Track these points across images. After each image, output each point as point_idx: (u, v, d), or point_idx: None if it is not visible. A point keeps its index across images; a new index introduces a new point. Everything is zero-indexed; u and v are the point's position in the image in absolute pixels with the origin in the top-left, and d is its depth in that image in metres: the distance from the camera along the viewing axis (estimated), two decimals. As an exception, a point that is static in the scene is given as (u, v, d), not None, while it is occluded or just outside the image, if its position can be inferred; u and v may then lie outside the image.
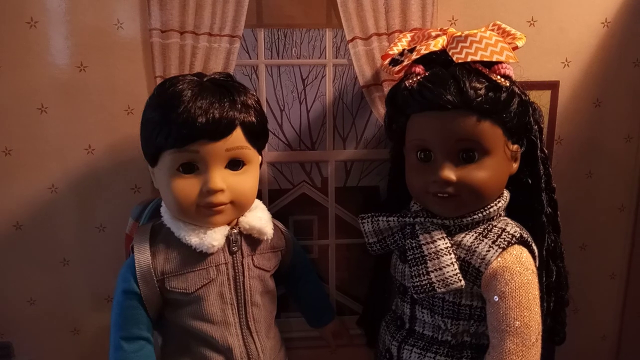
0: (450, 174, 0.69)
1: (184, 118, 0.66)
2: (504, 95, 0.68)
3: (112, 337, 0.72)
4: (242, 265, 0.75)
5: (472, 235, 0.71)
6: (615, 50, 0.91)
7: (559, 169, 0.91)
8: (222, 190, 0.69)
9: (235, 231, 0.74)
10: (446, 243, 0.71)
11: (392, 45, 0.79)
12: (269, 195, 0.92)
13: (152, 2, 0.82)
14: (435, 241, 0.71)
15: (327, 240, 0.96)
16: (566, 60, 0.90)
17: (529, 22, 0.88)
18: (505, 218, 0.74)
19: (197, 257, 0.72)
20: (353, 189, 0.93)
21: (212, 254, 0.72)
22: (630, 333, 1.04)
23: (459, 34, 0.71)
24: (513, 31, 0.73)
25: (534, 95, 0.87)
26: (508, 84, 0.68)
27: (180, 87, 0.68)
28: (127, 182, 0.89)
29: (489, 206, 0.72)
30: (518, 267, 0.68)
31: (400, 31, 0.85)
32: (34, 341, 0.94)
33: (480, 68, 0.69)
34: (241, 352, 0.74)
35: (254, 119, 0.71)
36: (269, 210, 0.81)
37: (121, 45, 0.84)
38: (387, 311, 0.86)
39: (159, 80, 0.83)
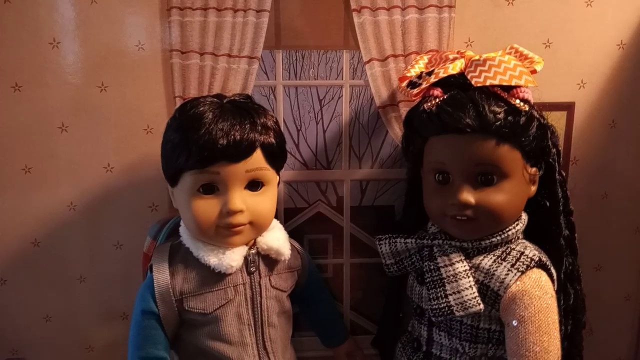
0: (468, 197, 0.69)
1: (205, 140, 0.67)
2: (522, 119, 0.68)
3: (130, 357, 0.72)
4: (260, 285, 0.75)
5: (491, 258, 0.71)
6: (630, 72, 0.91)
7: (574, 190, 0.91)
8: (241, 211, 0.70)
9: (253, 251, 0.75)
10: (464, 266, 0.71)
11: (409, 67, 0.80)
12: (285, 213, 0.93)
13: (173, 24, 0.83)
14: (454, 264, 0.71)
15: (342, 259, 0.96)
16: (582, 82, 0.91)
17: (545, 44, 0.89)
18: (524, 241, 0.74)
19: (215, 277, 0.72)
20: (368, 208, 0.94)
21: (230, 274, 0.73)
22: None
23: (477, 57, 0.71)
24: (531, 55, 0.73)
25: (550, 117, 0.87)
26: (527, 108, 0.69)
27: (202, 108, 0.69)
28: (145, 200, 0.90)
29: (507, 229, 0.72)
30: (537, 291, 0.68)
31: (417, 53, 0.86)
32: (48, 358, 0.95)
33: (498, 92, 0.69)
34: (258, 373, 0.74)
35: (273, 140, 0.71)
36: (284, 228, 0.81)
37: (141, 65, 0.85)
38: (402, 332, 0.86)
39: (178, 100, 0.85)
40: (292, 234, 0.87)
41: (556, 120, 0.90)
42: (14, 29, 0.83)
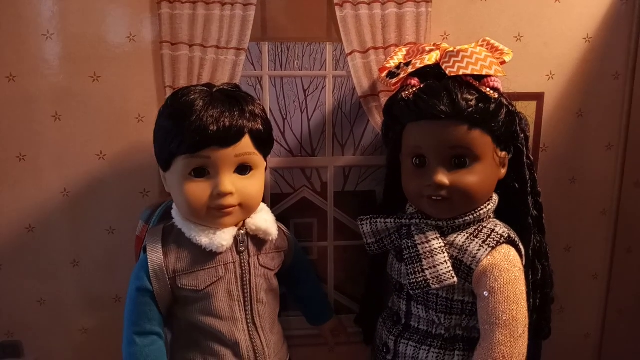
0: (443, 178, 0.74)
1: (196, 126, 0.70)
2: (492, 106, 0.73)
3: (125, 332, 0.75)
4: (249, 264, 0.79)
5: (464, 236, 0.76)
6: (596, 64, 0.97)
7: (544, 175, 0.97)
8: (231, 193, 0.74)
9: (243, 232, 0.78)
10: (440, 243, 0.76)
11: (388, 58, 0.84)
12: (272, 199, 0.97)
13: (163, 17, 0.87)
14: (430, 241, 0.76)
15: (326, 242, 1.00)
16: (550, 73, 0.96)
17: (516, 37, 0.94)
18: (494, 220, 0.79)
19: (206, 256, 0.76)
20: (351, 194, 0.98)
21: (221, 253, 0.76)
22: (611, 332, 1.08)
23: (451, 49, 0.76)
24: (501, 47, 0.78)
25: (521, 106, 0.93)
26: (496, 96, 0.74)
27: (192, 97, 0.72)
28: (136, 186, 0.93)
29: (479, 208, 0.77)
30: (506, 265, 0.73)
31: (396, 45, 0.90)
32: (43, 340, 0.97)
33: (470, 81, 0.74)
34: (247, 346, 0.78)
35: (261, 127, 0.75)
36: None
37: (133, 56, 0.88)
38: (383, 309, 0.91)
39: (168, 90, 0.88)
40: (279, 218, 0.90)
41: (526, 109, 0.96)
42: (8, 21, 0.85)
